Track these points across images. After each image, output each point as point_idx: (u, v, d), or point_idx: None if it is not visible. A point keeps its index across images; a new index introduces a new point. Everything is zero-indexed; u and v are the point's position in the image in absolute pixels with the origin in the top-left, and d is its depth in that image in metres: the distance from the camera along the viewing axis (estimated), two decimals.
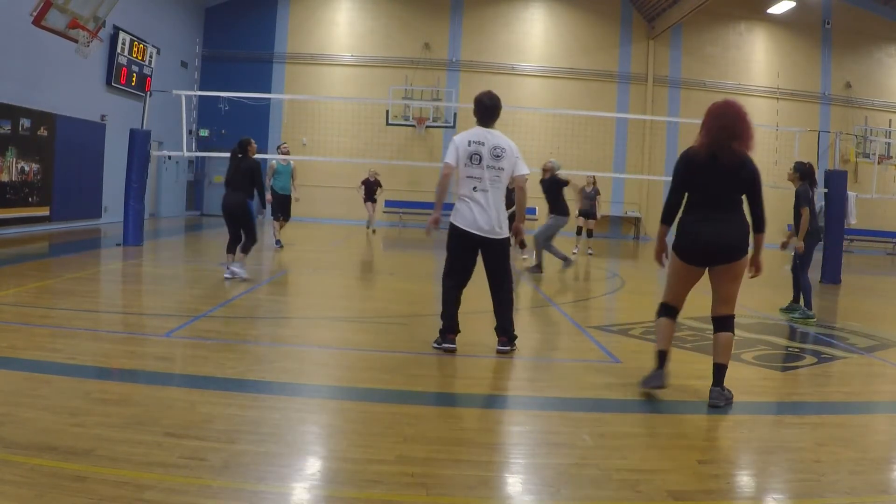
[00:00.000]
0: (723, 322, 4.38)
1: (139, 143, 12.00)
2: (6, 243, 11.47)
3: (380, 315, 7.22)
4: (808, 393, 4.94)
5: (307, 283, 9.73)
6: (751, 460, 3.56)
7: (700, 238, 4.31)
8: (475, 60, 22.04)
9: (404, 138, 21.84)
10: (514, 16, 22.37)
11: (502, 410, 4.27)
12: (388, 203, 20.53)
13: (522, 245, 12.85)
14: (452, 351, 5.32)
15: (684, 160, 4.39)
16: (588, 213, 14.96)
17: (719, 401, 4.27)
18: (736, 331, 4.52)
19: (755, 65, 22.57)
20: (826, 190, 12.23)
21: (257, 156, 8.99)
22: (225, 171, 9.15)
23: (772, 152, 17.31)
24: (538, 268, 11.19)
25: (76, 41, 11.97)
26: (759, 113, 21.27)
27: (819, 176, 9.27)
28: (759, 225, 4.38)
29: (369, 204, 17.84)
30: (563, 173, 11.84)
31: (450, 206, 5.43)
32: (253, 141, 8.94)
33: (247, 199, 8.74)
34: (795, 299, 8.04)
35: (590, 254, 14.88)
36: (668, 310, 4.56)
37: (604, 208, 18.49)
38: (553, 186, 11.31)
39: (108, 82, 16.66)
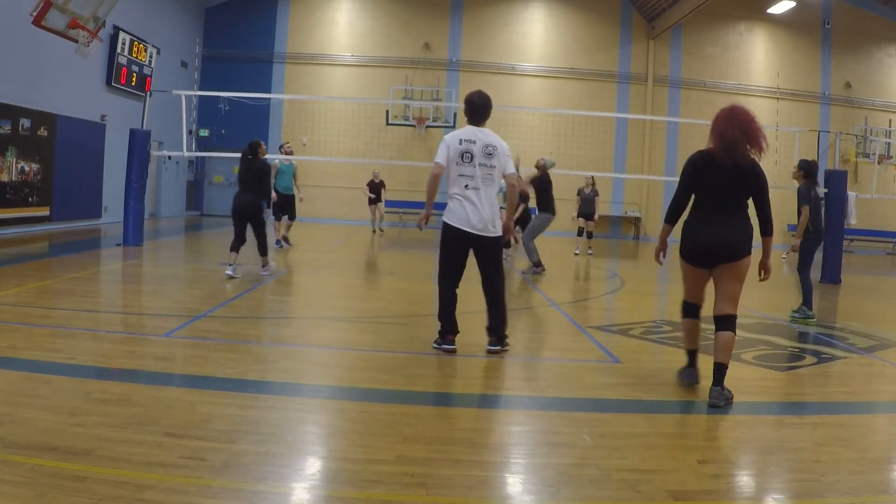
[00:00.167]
0: (724, 321, 4.40)
1: (139, 143, 12.00)
2: (6, 243, 11.47)
3: (380, 315, 7.22)
4: (808, 393, 4.94)
5: (307, 283, 9.73)
6: (751, 460, 3.56)
7: (701, 239, 4.42)
8: (475, 60, 22.04)
9: (404, 138, 21.85)
10: (514, 16, 22.38)
11: (502, 410, 4.27)
12: (388, 203, 20.50)
13: (507, 245, 12.87)
14: (452, 351, 5.32)
15: (693, 163, 4.49)
16: (587, 213, 14.95)
17: (719, 401, 4.27)
18: (737, 331, 4.52)
19: (755, 65, 22.57)
20: (826, 190, 12.23)
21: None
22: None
23: (772, 152, 17.19)
24: (538, 265, 11.21)
25: (76, 41, 11.97)
26: (760, 113, 20.90)
27: (819, 176, 9.26)
28: (767, 228, 4.44)
29: (373, 206, 17.80)
30: (561, 173, 11.85)
31: (442, 206, 5.43)
32: (263, 143, 9.20)
33: (259, 200, 8.89)
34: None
35: (589, 254, 14.89)
36: (690, 308, 4.71)
37: (604, 208, 18.52)
38: (544, 184, 11.31)
39: (108, 82, 16.66)
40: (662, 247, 4.70)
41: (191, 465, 3.01)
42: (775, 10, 20.92)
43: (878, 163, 18.77)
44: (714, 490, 3.09)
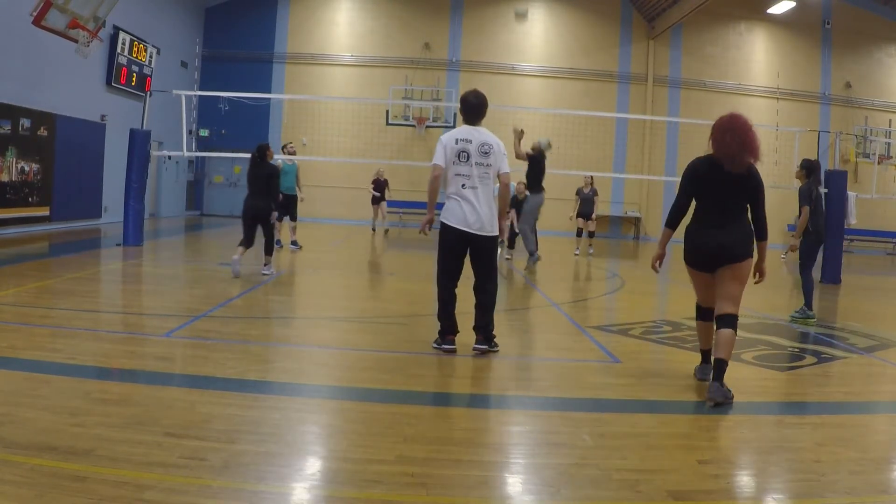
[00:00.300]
0: (725, 320, 4.48)
1: (139, 143, 12.00)
2: (6, 243, 11.47)
3: (380, 315, 7.22)
4: (808, 393, 4.94)
5: (307, 283, 9.74)
6: (751, 460, 3.56)
7: (701, 243, 4.56)
8: (475, 60, 22.05)
9: (404, 138, 21.85)
10: (515, 16, 22.37)
11: (502, 410, 4.27)
12: (389, 203, 20.49)
13: (511, 245, 12.91)
14: (452, 351, 5.32)
15: (692, 169, 4.64)
16: (586, 213, 14.92)
17: (718, 396, 4.29)
18: (737, 331, 4.55)
19: (755, 65, 22.57)
20: (826, 190, 12.23)
21: None
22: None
23: (772, 152, 17.29)
24: (534, 254, 11.29)
25: (76, 41, 11.97)
26: (759, 113, 21.28)
27: (820, 176, 9.25)
28: (762, 233, 4.60)
29: (376, 206, 17.69)
30: (561, 173, 11.90)
31: (441, 206, 5.43)
32: (270, 146, 9.35)
33: (270, 204, 8.96)
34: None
35: (590, 253, 14.88)
36: (703, 312, 4.85)
37: (604, 208, 18.50)
38: (536, 165, 11.34)
39: (108, 82, 16.66)
40: (661, 254, 4.83)
41: (191, 465, 3.01)
42: (775, 10, 20.92)
43: (878, 163, 18.77)
44: (714, 490, 3.09)
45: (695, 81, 22.23)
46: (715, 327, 4.56)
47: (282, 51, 22.07)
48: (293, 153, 12.89)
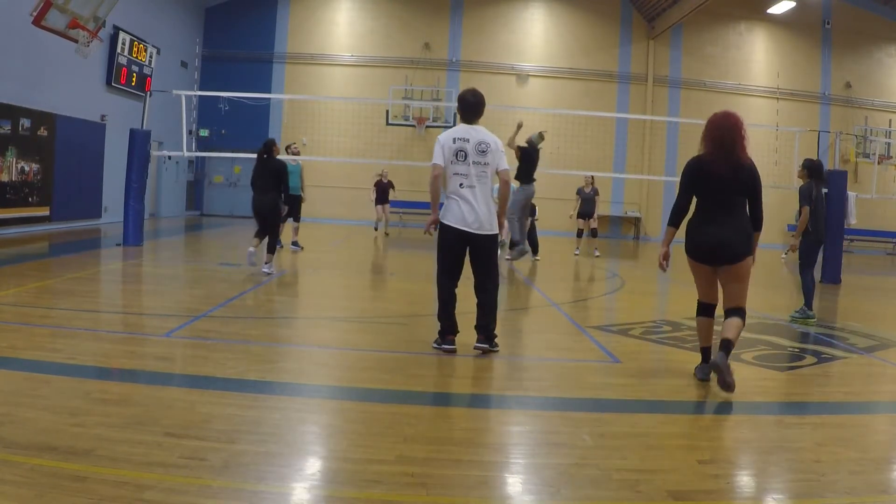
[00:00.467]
0: (733, 311, 4.70)
1: (139, 143, 12.00)
2: (6, 243, 11.47)
3: (380, 315, 7.22)
4: (808, 393, 4.94)
5: (307, 283, 9.74)
6: (751, 460, 3.56)
7: (703, 238, 4.68)
8: (475, 60, 22.04)
9: (404, 138, 21.85)
10: (514, 16, 22.37)
11: (502, 410, 4.27)
12: (390, 203, 20.51)
13: (513, 245, 12.91)
14: (452, 351, 5.31)
15: (689, 168, 4.80)
16: (588, 213, 14.88)
17: (721, 363, 4.40)
18: None
19: (755, 65, 22.57)
20: (826, 190, 12.22)
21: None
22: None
23: (772, 152, 17.33)
24: (516, 246, 11.32)
25: (76, 41, 11.97)
26: (759, 113, 21.29)
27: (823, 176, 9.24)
28: (757, 224, 4.75)
29: (379, 207, 17.48)
30: (561, 173, 11.92)
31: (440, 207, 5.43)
32: (276, 142, 9.40)
33: (277, 199, 9.00)
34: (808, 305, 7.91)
35: (596, 255, 14.62)
36: (703, 307, 4.92)
37: (604, 208, 18.49)
38: (527, 158, 11.38)
39: (108, 82, 16.66)
40: (667, 252, 4.94)
41: (191, 465, 3.01)
42: (775, 10, 20.92)
43: (878, 163, 18.77)
44: (714, 490, 3.09)
45: (695, 81, 22.23)
46: (724, 318, 4.73)
47: (282, 51, 22.07)
48: (297, 153, 12.88)
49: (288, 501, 2.83)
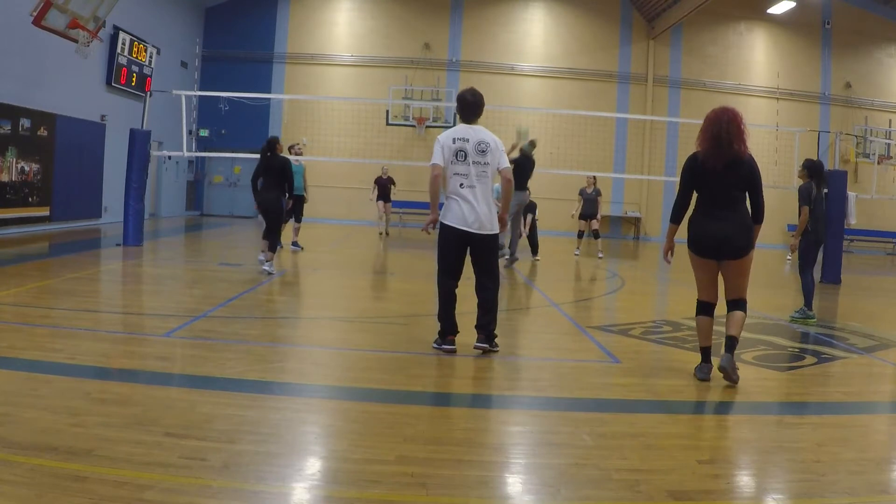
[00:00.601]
0: (735, 303, 4.79)
1: (139, 143, 12.00)
2: (6, 243, 11.47)
3: (380, 315, 7.22)
4: (808, 393, 4.93)
5: (307, 283, 9.74)
6: (751, 460, 3.56)
7: (706, 232, 4.75)
8: (475, 60, 22.05)
9: (404, 138, 21.85)
10: (514, 16, 22.37)
11: (502, 410, 4.27)
12: (391, 202, 20.51)
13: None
14: (452, 351, 5.31)
15: (688, 163, 4.85)
16: (590, 213, 14.83)
17: (728, 365, 4.48)
18: None
19: (755, 65, 22.57)
20: (826, 190, 12.21)
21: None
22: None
23: (772, 152, 17.32)
24: (511, 259, 11.37)
25: (76, 41, 11.97)
26: (759, 113, 21.29)
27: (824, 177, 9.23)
28: (757, 217, 4.80)
29: (381, 203, 17.16)
30: (561, 173, 11.93)
31: (441, 207, 5.43)
32: (279, 139, 9.45)
33: (281, 196, 9.04)
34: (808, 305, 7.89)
35: (600, 257, 14.45)
36: (703, 307, 4.94)
37: (604, 208, 18.43)
38: (520, 167, 11.36)
39: (108, 82, 16.66)
40: (670, 245, 5.05)
41: (191, 465, 3.01)
42: (775, 10, 20.92)
43: (878, 163, 18.79)
44: (714, 490, 3.09)
45: (695, 81, 22.23)
46: (727, 311, 4.82)
47: (282, 51, 22.07)
48: (300, 154, 12.86)
49: (288, 501, 2.83)
